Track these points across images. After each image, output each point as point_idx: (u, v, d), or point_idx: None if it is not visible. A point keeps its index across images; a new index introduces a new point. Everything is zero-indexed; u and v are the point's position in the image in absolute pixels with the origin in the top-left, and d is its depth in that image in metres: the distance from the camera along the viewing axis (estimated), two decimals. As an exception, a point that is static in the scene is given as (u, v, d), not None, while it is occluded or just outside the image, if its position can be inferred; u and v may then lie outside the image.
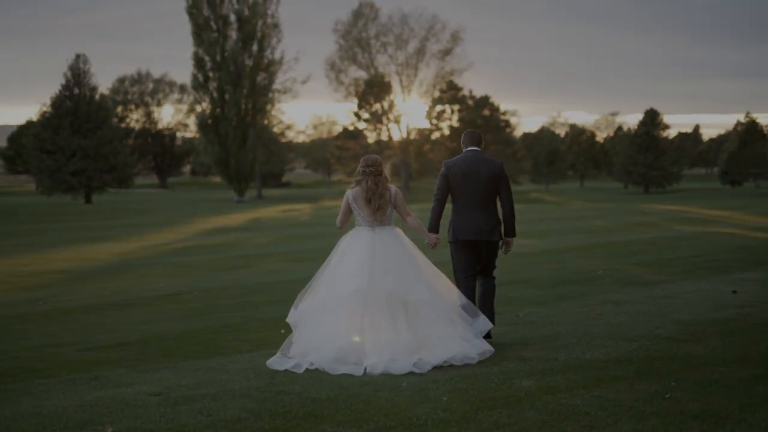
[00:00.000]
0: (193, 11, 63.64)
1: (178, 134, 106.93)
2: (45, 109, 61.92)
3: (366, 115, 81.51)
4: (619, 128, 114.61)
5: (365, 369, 7.43)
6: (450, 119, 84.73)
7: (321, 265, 8.26)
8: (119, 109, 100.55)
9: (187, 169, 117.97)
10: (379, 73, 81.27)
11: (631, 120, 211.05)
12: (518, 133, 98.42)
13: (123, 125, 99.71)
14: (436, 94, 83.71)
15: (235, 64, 63.40)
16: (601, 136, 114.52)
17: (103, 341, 9.35)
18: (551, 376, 7.17)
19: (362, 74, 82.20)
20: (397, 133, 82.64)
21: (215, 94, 64.35)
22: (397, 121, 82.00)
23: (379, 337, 7.64)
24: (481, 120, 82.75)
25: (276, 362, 7.74)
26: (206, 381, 7.26)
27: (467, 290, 8.59)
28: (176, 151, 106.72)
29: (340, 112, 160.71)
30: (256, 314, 11.02)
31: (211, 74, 64.36)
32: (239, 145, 64.66)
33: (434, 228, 8.71)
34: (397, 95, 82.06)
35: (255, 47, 64.47)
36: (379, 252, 8.02)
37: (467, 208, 8.67)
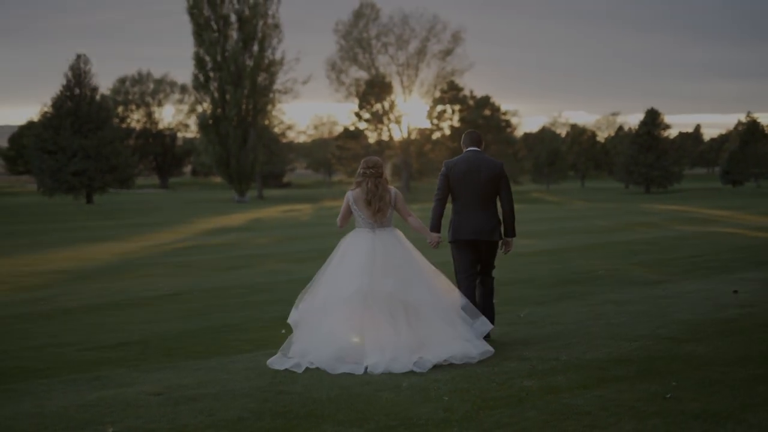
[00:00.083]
0: (193, 11, 63.63)
1: (179, 134, 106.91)
2: (46, 109, 61.91)
3: (367, 116, 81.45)
4: (620, 128, 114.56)
5: (366, 368, 7.44)
6: (451, 119, 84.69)
7: (322, 265, 8.28)
8: (120, 109, 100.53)
9: (188, 169, 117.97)
10: (379, 73, 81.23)
11: (632, 120, 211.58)
12: (519, 133, 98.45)
13: (124, 125, 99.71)
14: (437, 94, 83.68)
15: (236, 64, 63.38)
16: (602, 136, 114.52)
17: (104, 341, 9.36)
18: (552, 375, 7.17)
19: (363, 74, 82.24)
20: (398, 134, 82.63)
21: (216, 95, 64.33)
22: (398, 122, 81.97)
23: (379, 337, 7.65)
24: (482, 120, 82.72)
25: (276, 362, 7.76)
26: (207, 381, 7.26)
27: (468, 290, 8.61)
28: (177, 152, 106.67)
29: (341, 113, 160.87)
30: (256, 314, 11.02)
31: (211, 74, 64.34)
32: (240, 145, 64.65)
33: (436, 227, 8.74)
34: (397, 95, 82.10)
35: (256, 47, 64.42)
36: (380, 253, 8.03)
37: (467, 208, 8.69)
